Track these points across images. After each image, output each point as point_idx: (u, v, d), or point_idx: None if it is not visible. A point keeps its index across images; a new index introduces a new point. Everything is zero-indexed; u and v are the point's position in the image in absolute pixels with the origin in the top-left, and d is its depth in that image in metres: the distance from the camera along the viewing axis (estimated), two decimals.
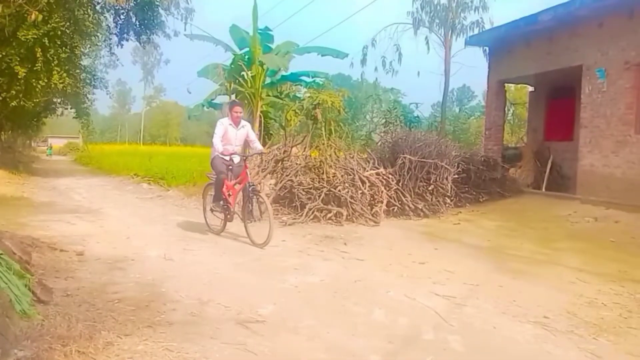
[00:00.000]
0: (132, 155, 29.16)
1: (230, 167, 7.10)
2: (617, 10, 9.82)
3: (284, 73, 14.68)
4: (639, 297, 4.96)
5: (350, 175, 9.48)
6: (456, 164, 10.53)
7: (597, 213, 9.29)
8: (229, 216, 7.20)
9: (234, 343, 3.43)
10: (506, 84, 15.09)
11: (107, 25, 16.28)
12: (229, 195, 7.04)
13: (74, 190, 13.67)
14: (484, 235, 8.14)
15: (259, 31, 13.80)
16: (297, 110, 14.55)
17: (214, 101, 14.60)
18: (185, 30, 16.09)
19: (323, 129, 12.86)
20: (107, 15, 15.43)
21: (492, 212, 10.30)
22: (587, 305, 4.68)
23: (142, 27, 15.10)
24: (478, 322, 4.08)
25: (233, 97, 13.32)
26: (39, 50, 12.94)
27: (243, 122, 7.33)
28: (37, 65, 13.08)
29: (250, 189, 6.79)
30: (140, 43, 16.12)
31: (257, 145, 7.50)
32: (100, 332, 3.42)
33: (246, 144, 7.67)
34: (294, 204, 9.10)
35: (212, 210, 7.30)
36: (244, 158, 7.18)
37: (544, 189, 12.48)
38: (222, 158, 7.03)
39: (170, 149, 47.82)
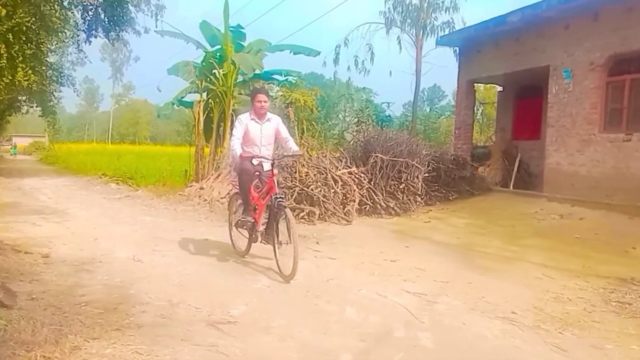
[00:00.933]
0: (100, 154, 28.61)
1: (258, 172, 5.70)
2: (583, 13, 10.09)
3: (256, 71, 14.58)
4: (602, 292, 5.11)
5: (322, 174, 9.49)
6: (427, 163, 10.65)
7: (562, 210, 9.53)
8: (253, 235, 5.74)
9: (205, 344, 3.39)
10: (475, 84, 15.34)
11: (75, 21, 15.87)
12: (255, 209, 5.64)
13: (39, 191, 13.31)
14: (453, 233, 8.26)
15: (231, 29, 13.66)
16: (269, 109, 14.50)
17: (184, 99, 14.40)
18: (155, 27, 15.77)
19: (296, 127, 12.87)
20: (74, 11, 15.04)
21: (462, 210, 10.46)
22: (553, 300, 4.80)
23: (111, 23, 14.75)
24: (448, 319, 4.14)
25: (204, 95, 13.19)
26: (3, 46, 12.53)
27: (269, 115, 5.77)
28: (0, 61, 12.68)
29: (276, 203, 5.30)
30: (109, 40, 15.75)
31: (292, 145, 5.86)
32: (67, 336, 3.34)
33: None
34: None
35: (237, 226, 5.84)
36: (272, 163, 5.58)
37: (511, 187, 12.74)
38: (250, 162, 5.57)
39: (139, 148, 47.02)
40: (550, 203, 10.19)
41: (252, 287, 4.81)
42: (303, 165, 9.64)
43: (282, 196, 5.45)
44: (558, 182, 10.63)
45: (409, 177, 10.06)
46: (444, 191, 11.18)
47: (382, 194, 9.72)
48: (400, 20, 26.61)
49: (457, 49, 16.09)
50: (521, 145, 13.92)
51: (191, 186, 11.21)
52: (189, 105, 14.02)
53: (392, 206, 9.64)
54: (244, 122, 5.65)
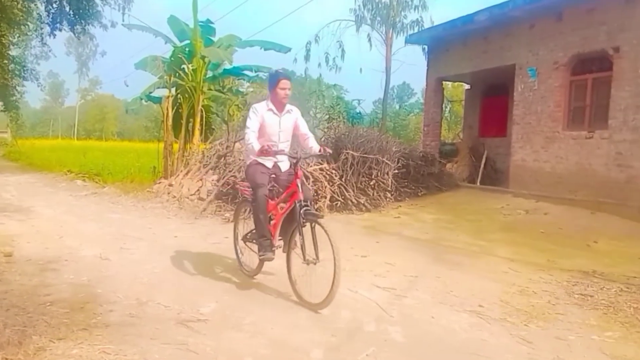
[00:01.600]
0: (66, 150, 27.85)
1: (274, 175, 4.75)
2: (547, 13, 10.35)
3: (226, 67, 14.45)
4: (565, 285, 5.27)
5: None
6: (396, 160, 10.77)
7: (527, 206, 9.78)
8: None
9: (174, 343, 3.36)
10: (444, 82, 15.56)
11: (39, 14, 15.44)
12: (270, 219, 4.68)
13: (2, 188, 12.89)
14: (422, 228, 8.38)
15: (200, 23, 13.50)
16: (240, 105, 14.39)
17: (153, 94, 14.17)
18: (122, 20, 15.48)
19: None
20: (38, 3, 14.63)
21: (430, 205, 10.61)
22: (518, 293, 4.93)
23: (77, 16, 14.43)
24: (417, 313, 4.21)
25: (173, 90, 12.99)
26: None
27: (289, 106, 4.80)
28: None
29: (302, 211, 4.29)
30: (74, 33, 15.41)
31: (312, 143, 4.81)
32: (31, 337, 3.27)
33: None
34: (237, 200, 8.95)
35: (245, 240, 5.00)
36: (295, 161, 4.54)
37: (478, 183, 12.99)
38: (262, 164, 4.66)
39: (106, 144, 45.99)
40: (516, 198, 10.44)
41: (222, 285, 4.78)
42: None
43: (308, 203, 4.38)
44: (523, 178, 10.89)
45: (379, 174, 10.15)
46: (413, 187, 11.32)
47: (353, 190, 9.78)
48: (370, 17, 26.74)
49: (426, 47, 16.28)
50: (488, 142, 14.20)
51: (160, 183, 11.05)
52: (158, 100, 13.79)
53: (362, 202, 9.70)
54: (260, 112, 4.64)
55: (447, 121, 30.28)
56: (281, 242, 4.65)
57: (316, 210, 4.24)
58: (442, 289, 4.93)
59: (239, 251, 5.28)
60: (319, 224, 4.17)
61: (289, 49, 14.34)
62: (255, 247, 4.77)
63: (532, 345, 3.64)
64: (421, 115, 21.75)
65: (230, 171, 9.68)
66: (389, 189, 10.29)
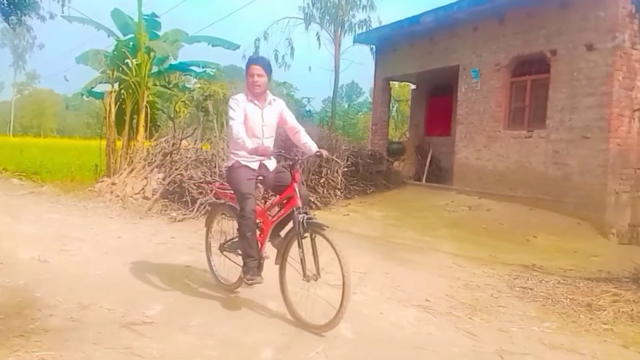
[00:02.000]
0: (1, 147, 26.35)
1: (261, 177, 4.21)
2: (490, 16, 10.72)
3: (172, 62, 14.10)
4: (507, 278, 5.49)
5: None
6: (346, 158, 10.88)
7: (471, 202, 10.12)
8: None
9: (118, 347, 3.25)
10: (391, 82, 15.84)
11: None
12: (258, 227, 4.16)
13: None
14: (371, 225, 8.50)
15: (145, 17, 13.10)
16: (186, 102, 14.11)
17: (95, 90, 13.63)
18: (62, 12, 14.80)
19: (215, 121, 12.61)
20: None
21: (379, 203, 10.78)
22: (463, 287, 5.09)
23: (12, 6, 13.68)
24: (366, 309, 4.26)
25: (116, 86, 12.55)
26: None
27: (271, 97, 4.23)
28: None
29: (301, 220, 3.75)
30: (9, 24, 14.60)
31: (305, 139, 4.25)
32: None
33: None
34: (184, 199, 8.81)
35: (223, 249, 4.49)
36: (292, 162, 4.00)
37: (424, 181, 13.31)
38: (247, 166, 4.09)
39: (45, 141, 43.87)
40: (459, 195, 10.78)
41: (169, 286, 4.65)
42: (223, 159, 9.49)
43: (308, 211, 3.87)
44: (467, 176, 11.25)
45: (329, 172, 10.22)
46: (362, 185, 11.47)
47: None
48: (319, 16, 26.87)
49: (374, 47, 16.52)
50: (433, 141, 14.58)
51: (102, 181, 10.65)
52: (100, 96, 13.28)
53: (312, 200, 9.73)
54: (242, 103, 4.07)
55: (394, 120, 30.81)
56: (268, 254, 4.15)
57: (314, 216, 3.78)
58: (390, 285, 5.02)
59: (212, 262, 4.74)
60: (323, 236, 3.67)
61: (238, 46, 14.16)
62: (235, 258, 4.30)
63: (477, 337, 3.76)
64: (369, 114, 22.05)
65: (176, 169, 9.46)
66: (339, 187, 10.39)
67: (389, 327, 3.90)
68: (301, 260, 3.80)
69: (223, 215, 4.72)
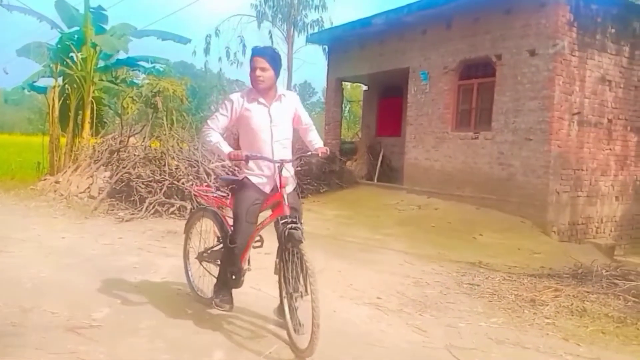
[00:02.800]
0: None
1: (257, 203, 3.56)
2: (438, 20, 10.98)
3: (120, 57, 13.69)
4: (455, 275, 5.66)
5: (194, 167, 9.23)
6: (299, 157, 10.87)
7: (420, 201, 10.35)
8: (234, 277, 3.72)
9: (64, 352, 3.12)
10: (343, 82, 15.97)
11: None
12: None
13: None
14: (324, 224, 8.55)
15: (91, 10, 12.66)
16: (134, 98, 13.73)
17: (37, 84, 13.05)
18: (1, 1, 14.03)
19: (164, 118, 12.35)
20: None
21: (332, 202, 10.87)
22: (413, 285, 5.20)
23: None
24: (320, 307, 4.27)
25: (60, 80, 12.06)
26: None
27: (281, 91, 3.66)
28: None
29: (286, 232, 3.35)
30: None
31: (314, 137, 3.87)
32: None
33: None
34: (132, 198, 8.57)
35: (201, 259, 4.06)
36: (279, 165, 3.48)
37: (375, 180, 13.52)
38: (256, 185, 3.55)
39: None
40: (409, 195, 11.01)
41: (117, 288, 4.51)
42: (173, 157, 9.30)
43: (296, 220, 3.41)
44: (416, 176, 11.50)
45: None
46: (315, 184, 11.54)
47: None
48: (271, 14, 26.78)
49: (327, 47, 16.60)
50: (384, 141, 14.82)
51: (45, 180, 10.21)
52: (42, 90, 12.74)
53: None
54: (237, 104, 3.54)
55: (346, 121, 31.10)
56: (249, 268, 3.81)
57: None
58: (342, 283, 5.07)
59: (190, 272, 4.35)
60: (299, 251, 3.28)
61: (189, 40, 13.92)
62: (214, 270, 3.92)
63: (426, 333, 3.86)
64: (322, 114, 22.15)
65: (124, 167, 9.19)
66: None
67: (341, 325, 3.93)
68: (284, 274, 3.46)
69: (199, 220, 4.27)
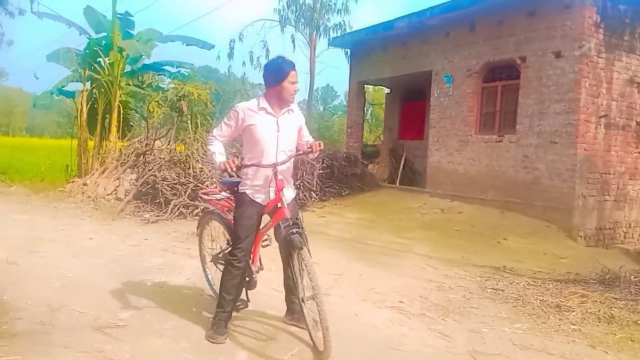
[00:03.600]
0: None
1: (253, 218, 3.61)
2: (461, 23, 10.90)
3: (146, 61, 13.93)
4: (479, 280, 5.60)
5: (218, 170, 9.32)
6: (321, 160, 10.92)
7: (443, 205, 10.27)
8: (247, 279, 3.76)
9: (90, 351, 3.20)
10: (366, 85, 15.96)
11: None
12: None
13: None
14: (346, 227, 8.54)
15: (118, 16, 12.92)
16: (160, 102, 13.94)
17: (65, 88, 13.36)
18: (32, 8, 14.41)
19: (189, 121, 12.51)
20: None
21: (354, 205, 10.85)
22: (436, 289, 5.16)
23: None
24: (341, 310, 4.28)
25: (88, 85, 12.33)
26: None
27: (291, 106, 3.67)
28: None
29: (288, 236, 3.36)
30: None
31: (309, 138, 3.81)
32: None
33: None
34: (157, 201, 8.71)
35: (216, 261, 4.10)
36: (273, 168, 3.50)
37: (397, 184, 13.46)
38: (254, 200, 3.58)
39: (13, 140, 42.68)
40: (432, 198, 10.93)
41: (142, 289, 4.60)
42: (197, 160, 9.42)
43: (298, 222, 3.44)
44: (439, 179, 11.41)
45: (304, 174, 10.25)
46: (337, 187, 11.54)
47: None
48: (294, 19, 26.92)
49: (349, 50, 16.61)
50: (406, 144, 14.74)
51: (73, 182, 10.45)
52: (71, 95, 13.04)
53: None
54: (243, 114, 3.52)
55: (368, 123, 31.04)
56: (262, 267, 3.90)
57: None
58: (364, 287, 5.06)
59: (209, 275, 4.42)
60: (300, 256, 3.33)
61: (213, 46, 14.09)
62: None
63: (449, 338, 3.83)
64: (344, 117, 22.16)
65: (150, 170, 9.34)
66: (314, 188, 10.42)
67: (363, 328, 3.93)
68: (293, 279, 3.50)
69: (210, 222, 4.38)
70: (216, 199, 4.12)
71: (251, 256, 3.72)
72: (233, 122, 3.56)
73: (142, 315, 3.91)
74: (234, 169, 3.40)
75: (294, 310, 3.78)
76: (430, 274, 5.79)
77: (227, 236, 3.96)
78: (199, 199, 4.64)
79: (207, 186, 8.79)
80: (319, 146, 3.53)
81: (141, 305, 4.13)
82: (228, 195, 3.96)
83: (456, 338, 3.83)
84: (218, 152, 3.56)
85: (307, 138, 3.76)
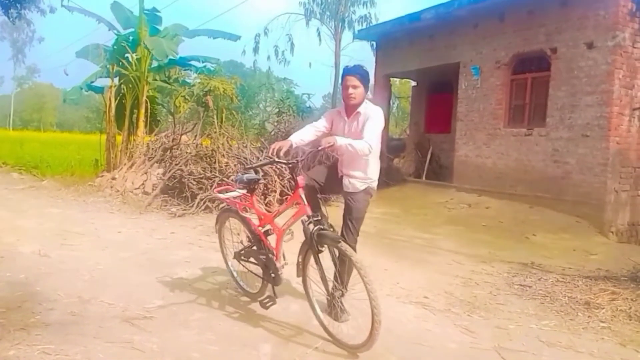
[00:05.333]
0: (1, 141, 26.38)
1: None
2: (490, 14, 10.70)
3: (172, 57, 14.09)
4: (506, 276, 5.51)
5: (243, 164, 9.40)
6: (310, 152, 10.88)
7: (470, 200, 10.13)
8: (272, 275, 3.80)
9: (119, 341, 3.27)
10: (392, 78, 15.82)
11: None
12: (266, 233, 3.95)
13: None
14: (371, 222, 8.49)
15: (146, 11, 13.09)
16: (186, 97, 14.09)
17: (94, 84, 13.62)
18: (62, 5, 14.68)
19: (215, 116, 12.61)
20: None
21: (379, 199, 10.77)
22: (462, 285, 5.10)
23: (11, 0, 13.65)
24: (366, 305, 4.26)
25: (116, 80, 12.55)
26: None
27: (363, 108, 3.86)
28: None
29: (315, 232, 3.44)
30: (9, 18, 14.55)
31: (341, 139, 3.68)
32: None
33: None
34: (184, 195, 8.82)
35: (239, 258, 4.15)
36: (291, 166, 3.81)
37: (424, 178, 13.31)
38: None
39: (44, 135, 43.85)
40: (459, 193, 10.79)
41: (169, 281, 4.68)
42: (223, 155, 9.50)
43: (319, 218, 3.53)
44: (466, 173, 11.26)
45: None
46: None
47: None
48: (319, 12, 26.80)
49: (374, 43, 16.48)
50: (433, 138, 14.57)
51: (102, 176, 10.67)
52: (100, 90, 13.28)
53: None
54: (331, 114, 4.10)
55: (394, 117, 30.86)
56: (286, 262, 3.86)
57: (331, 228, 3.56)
58: (389, 281, 5.04)
59: (232, 269, 4.46)
60: (340, 250, 3.37)
61: (239, 37, 14.15)
62: (254, 267, 4.02)
63: (475, 334, 3.78)
64: None
65: (176, 164, 9.47)
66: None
67: (387, 323, 3.89)
68: (321, 277, 3.50)
69: (227, 220, 4.42)
70: (232, 197, 4.13)
71: (275, 251, 3.79)
72: (323, 119, 4.11)
73: (169, 307, 3.98)
74: (277, 154, 3.65)
75: (330, 304, 3.72)
76: (456, 269, 5.73)
77: (248, 233, 4.05)
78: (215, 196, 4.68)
79: (232, 180, 8.86)
80: (326, 144, 3.55)
81: (168, 297, 4.20)
82: (244, 193, 4.02)
83: (481, 334, 3.79)
84: (296, 133, 3.97)
85: (367, 134, 3.72)
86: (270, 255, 3.80)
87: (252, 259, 4.02)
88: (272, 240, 3.91)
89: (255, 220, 4.04)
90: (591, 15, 8.78)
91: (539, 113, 9.95)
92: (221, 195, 4.20)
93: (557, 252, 6.94)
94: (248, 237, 4.06)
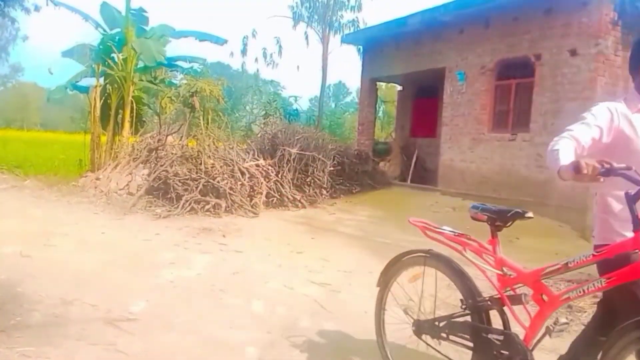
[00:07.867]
0: None
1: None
2: (476, 20, 10.82)
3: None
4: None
5: (229, 166, 9.37)
6: (332, 157, 10.93)
7: (455, 203, 10.21)
8: None
9: (102, 343, 3.23)
10: (378, 82, 15.91)
11: None
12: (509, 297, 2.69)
13: None
14: (356, 225, 8.54)
15: (132, 11, 13.00)
16: (173, 97, 14.01)
17: (79, 84, 13.48)
18: (47, 5, 14.53)
19: (201, 118, 12.55)
20: None
21: (364, 202, 10.83)
22: (446, 287, 5.11)
23: None
24: (351, 307, 4.29)
25: (101, 80, 12.42)
26: None
27: None
28: None
29: None
30: None
31: None
32: None
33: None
34: (169, 196, 8.77)
35: (421, 332, 3.00)
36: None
37: (409, 181, 13.41)
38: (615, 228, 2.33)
39: (28, 134, 43.12)
40: (443, 196, 10.88)
41: (153, 283, 4.64)
42: (209, 156, 9.46)
43: None
44: (451, 177, 11.36)
45: (315, 171, 10.26)
46: (348, 185, 11.52)
47: (290, 187, 9.81)
48: (307, 15, 26.90)
49: (361, 47, 16.57)
50: (419, 142, 14.68)
51: (86, 177, 10.55)
52: (85, 90, 13.14)
53: (299, 199, 9.75)
54: (615, 116, 2.31)
55: (380, 121, 30.99)
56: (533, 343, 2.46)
57: None
58: (375, 284, 5.04)
59: (387, 350, 3.20)
60: None
61: (226, 41, 14.13)
62: (451, 351, 2.77)
63: None
64: (356, 115, 22.11)
65: (162, 165, 9.40)
66: (325, 186, 10.43)
67: (372, 325, 3.92)
68: None
69: (396, 273, 3.26)
70: (453, 235, 2.88)
71: (527, 330, 2.50)
72: (603, 123, 2.33)
73: (153, 309, 3.95)
74: (594, 172, 1.97)
75: None
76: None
77: (461, 294, 2.82)
78: (412, 225, 3.14)
79: (218, 182, 8.81)
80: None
81: (152, 299, 4.17)
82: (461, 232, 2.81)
83: None
84: (564, 149, 2.30)
85: None
86: (514, 336, 2.48)
87: (458, 336, 2.73)
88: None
89: (488, 272, 2.72)
90: (575, 23, 8.93)
91: (523, 118, 10.07)
92: (443, 230, 2.91)
93: (540, 256, 7.00)
94: (462, 301, 2.80)
